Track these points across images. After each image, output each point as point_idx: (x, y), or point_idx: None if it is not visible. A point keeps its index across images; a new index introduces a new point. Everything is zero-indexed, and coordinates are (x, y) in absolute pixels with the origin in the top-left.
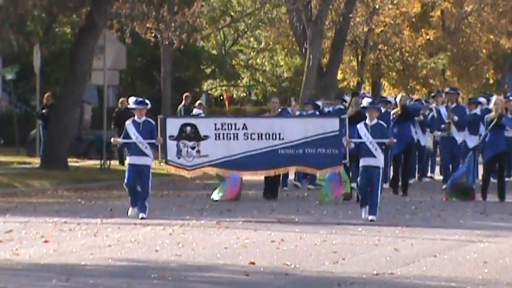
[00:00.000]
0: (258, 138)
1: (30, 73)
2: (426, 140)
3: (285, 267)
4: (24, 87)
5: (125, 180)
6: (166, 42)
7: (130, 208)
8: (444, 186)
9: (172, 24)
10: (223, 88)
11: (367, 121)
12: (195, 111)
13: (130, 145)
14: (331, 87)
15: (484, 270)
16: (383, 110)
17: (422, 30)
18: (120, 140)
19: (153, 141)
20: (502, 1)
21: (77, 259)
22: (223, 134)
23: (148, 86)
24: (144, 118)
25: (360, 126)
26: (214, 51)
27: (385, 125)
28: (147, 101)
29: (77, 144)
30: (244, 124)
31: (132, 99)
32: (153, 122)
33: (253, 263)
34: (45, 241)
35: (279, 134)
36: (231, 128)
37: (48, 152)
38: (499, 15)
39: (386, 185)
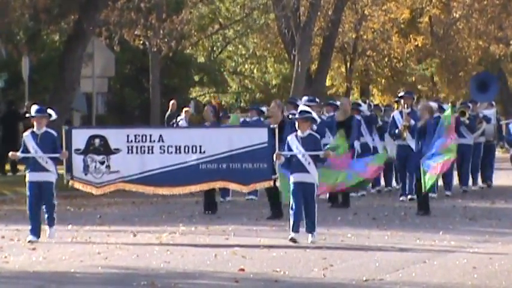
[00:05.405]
0: (176, 152)
1: (19, 81)
2: (391, 149)
3: (275, 273)
4: (13, 95)
5: (27, 203)
6: (155, 50)
7: (30, 235)
8: (402, 198)
9: (161, 32)
10: (212, 95)
11: (299, 132)
12: (178, 118)
13: (29, 160)
14: (320, 94)
15: (474, 276)
16: (330, 114)
17: (411, 36)
18: (19, 154)
19: (57, 155)
20: (490, 7)
21: (67, 267)
22: (137, 147)
23: (137, 93)
24: (44, 129)
25: (291, 138)
26: (203, 58)
27: (318, 136)
28: (49, 110)
29: None
30: (161, 136)
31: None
32: (54, 133)
33: (242, 270)
34: (35, 249)
35: (200, 147)
36: (146, 140)
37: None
38: (487, 22)
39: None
